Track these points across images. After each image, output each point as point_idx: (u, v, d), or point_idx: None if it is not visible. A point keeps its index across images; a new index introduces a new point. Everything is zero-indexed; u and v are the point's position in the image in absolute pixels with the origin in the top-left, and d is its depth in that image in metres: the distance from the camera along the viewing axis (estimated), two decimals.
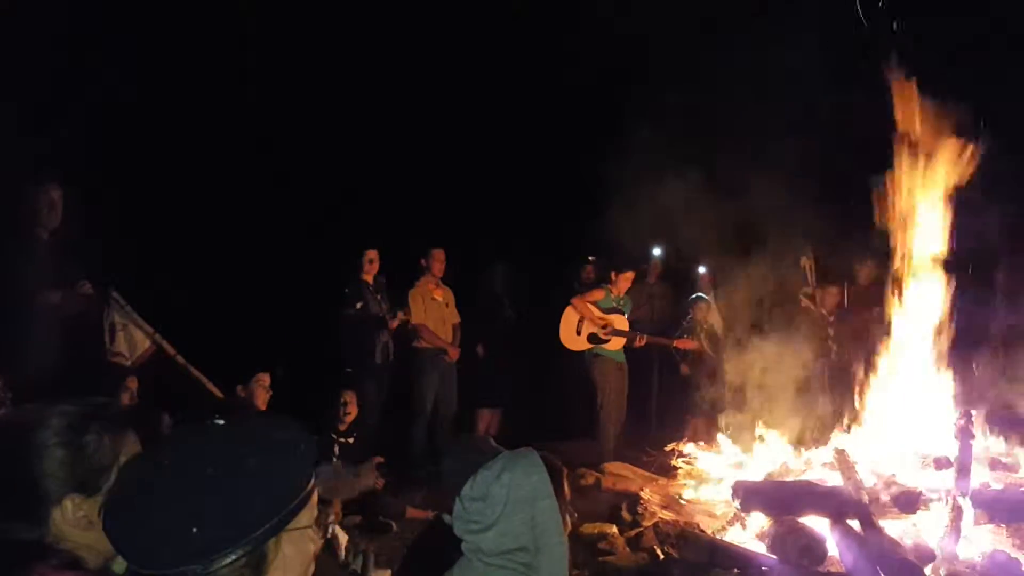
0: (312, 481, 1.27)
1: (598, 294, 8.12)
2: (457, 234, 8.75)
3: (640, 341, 8.17)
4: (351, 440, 6.32)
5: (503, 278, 8.85)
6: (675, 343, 8.26)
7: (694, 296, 8.86)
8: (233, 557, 1.14)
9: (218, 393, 6.00)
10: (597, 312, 8.03)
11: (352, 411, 6.36)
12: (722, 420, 7.49)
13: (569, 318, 8.11)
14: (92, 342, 5.66)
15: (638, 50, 8.38)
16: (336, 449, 6.15)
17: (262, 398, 5.50)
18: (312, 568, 1.32)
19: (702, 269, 9.70)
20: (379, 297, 7.67)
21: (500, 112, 10.70)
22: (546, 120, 10.67)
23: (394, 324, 7.65)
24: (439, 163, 10.70)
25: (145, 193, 8.36)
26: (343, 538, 5.31)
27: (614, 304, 8.10)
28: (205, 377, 6.13)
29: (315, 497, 1.29)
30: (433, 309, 7.94)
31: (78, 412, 1.71)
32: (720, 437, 7.27)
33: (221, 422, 1.28)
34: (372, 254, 7.69)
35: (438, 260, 8.01)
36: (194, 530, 1.12)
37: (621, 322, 8.10)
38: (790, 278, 8.15)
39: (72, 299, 5.17)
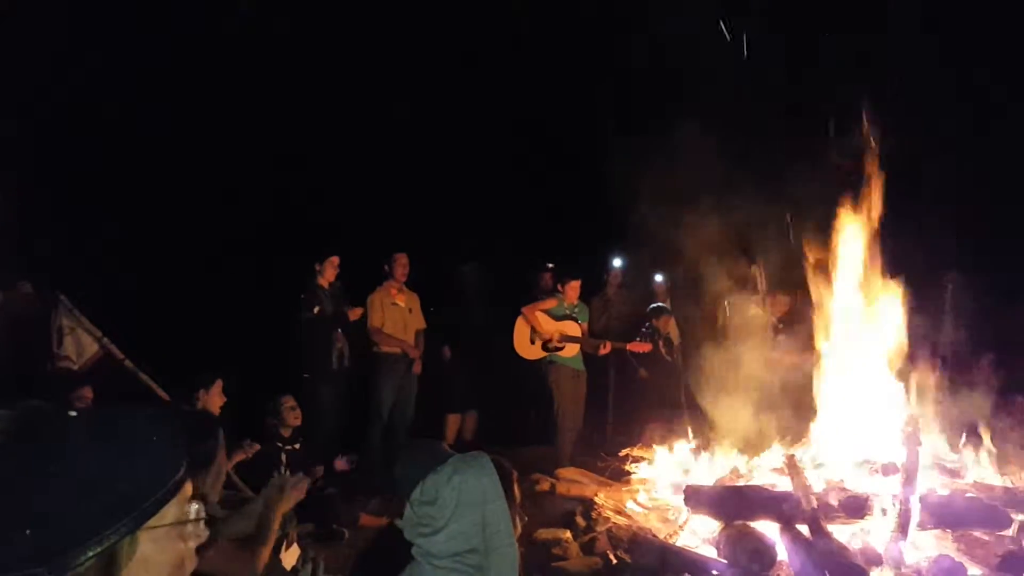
0: (180, 474, 1.19)
1: (550, 303, 8.10)
2: (429, 236, 8.68)
3: (592, 346, 8.18)
4: (297, 447, 6.06)
5: (474, 279, 8.77)
6: (628, 346, 8.28)
7: (654, 305, 8.92)
8: (82, 559, 1.06)
9: (166, 397, 5.90)
10: (546, 321, 8.03)
11: (295, 415, 6.09)
12: (677, 425, 7.53)
13: (521, 328, 8.07)
14: (39, 346, 5.54)
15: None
16: (284, 458, 5.91)
17: (216, 404, 5.39)
18: (191, 566, 1.24)
19: (658, 278, 9.79)
20: (335, 303, 7.53)
21: (474, 116, 10.74)
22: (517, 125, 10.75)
23: (354, 315, 7.51)
24: (406, 165, 10.69)
25: (97, 195, 8.20)
26: (293, 551, 5.21)
27: (567, 312, 8.09)
28: (154, 382, 6.03)
29: (187, 491, 1.21)
30: (393, 314, 7.82)
31: (11, 417, 1.67)
32: (673, 442, 7.32)
33: (74, 413, 1.22)
34: (335, 260, 7.54)
35: (401, 265, 7.87)
36: (27, 532, 1.04)
37: (572, 329, 8.08)
38: (741, 285, 8.24)
39: (13, 299, 5.08)
